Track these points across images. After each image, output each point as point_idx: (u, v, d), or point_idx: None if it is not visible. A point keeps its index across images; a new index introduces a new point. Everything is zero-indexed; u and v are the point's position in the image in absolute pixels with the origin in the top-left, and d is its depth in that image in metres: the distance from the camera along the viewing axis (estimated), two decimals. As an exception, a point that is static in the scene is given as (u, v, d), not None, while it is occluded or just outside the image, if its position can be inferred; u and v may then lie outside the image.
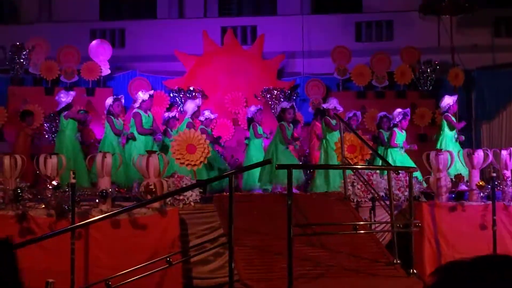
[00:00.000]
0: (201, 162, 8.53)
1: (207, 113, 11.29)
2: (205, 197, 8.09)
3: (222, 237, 6.77)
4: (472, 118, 14.15)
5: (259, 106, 11.21)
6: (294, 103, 11.03)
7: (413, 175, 7.26)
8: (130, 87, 13.65)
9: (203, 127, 10.83)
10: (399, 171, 7.69)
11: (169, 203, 7.50)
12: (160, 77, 14.50)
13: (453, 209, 8.10)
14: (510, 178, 8.46)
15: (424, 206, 8.00)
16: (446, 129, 10.74)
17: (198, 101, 10.62)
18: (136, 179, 8.15)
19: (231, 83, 14.24)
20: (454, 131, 10.74)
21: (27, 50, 13.38)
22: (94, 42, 14.23)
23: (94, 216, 6.73)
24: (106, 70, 13.79)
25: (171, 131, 10.93)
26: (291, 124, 10.14)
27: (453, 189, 8.64)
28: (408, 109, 10.88)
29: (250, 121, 10.71)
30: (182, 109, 11.80)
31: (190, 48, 14.75)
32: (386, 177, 7.72)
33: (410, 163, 9.89)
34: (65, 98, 10.25)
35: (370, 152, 8.95)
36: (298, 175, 9.45)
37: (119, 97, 10.40)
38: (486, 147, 11.15)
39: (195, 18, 16.22)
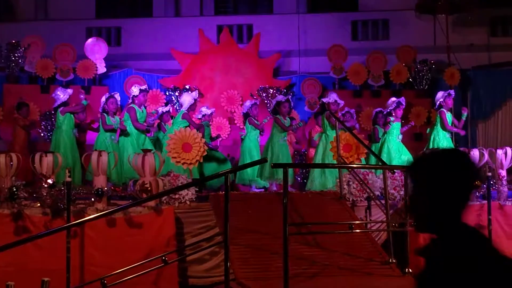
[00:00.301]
0: (197, 160, 8.52)
1: (204, 109, 11.24)
2: (201, 195, 8.08)
3: (218, 236, 6.76)
4: (468, 117, 14.16)
5: (253, 101, 11.10)
6: (290, 97, 10.98)
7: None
8: (126, 85, 13.63)
9: (206, 121, 10.90)
10: (395, 170, 7.70)
11: (164, 201, 7.50)
12: (156, 76, 14.49)
13: (448, 208, 8.09)
14: (505, 178, 8.47)
15: (420, 205, 7.99)
16: (439, 125, 10.44)
17: (194, 94, 10.55)
18: (128, 176, 8.12)
19: (227, 81, 14.24)
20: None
21: (23, 48, 13.36)
22: (90, 40, 14.21)
23: (89, 215, 6.72)
24: (102, 68, 13.78)
25: (165, 125, 10.93)
26: (287, 118, 10.09)
27: (449, 189, 8.62)
28: (403, 98, 10.78)
29: (246, 116, 10.66)
30: (178, 108, 11.76)
31: (186, 46, 14.75)
32: (381, 176, 7.72)
33: (405, 152, 10.05)
34: (62, 95, 10.21)
35: (366, 151, 8.94)
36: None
37: (113, 94, 10.38)
38: (481, 146, 11.18)
39: (191, 17, 16.22)
